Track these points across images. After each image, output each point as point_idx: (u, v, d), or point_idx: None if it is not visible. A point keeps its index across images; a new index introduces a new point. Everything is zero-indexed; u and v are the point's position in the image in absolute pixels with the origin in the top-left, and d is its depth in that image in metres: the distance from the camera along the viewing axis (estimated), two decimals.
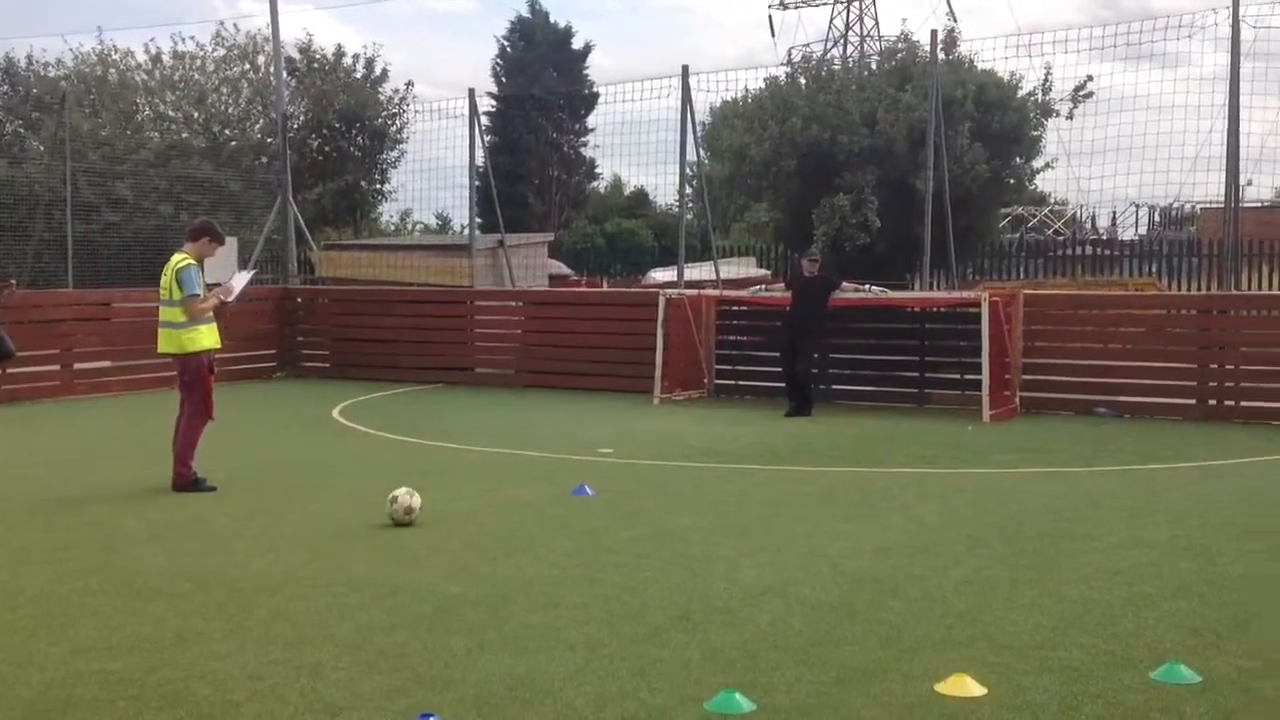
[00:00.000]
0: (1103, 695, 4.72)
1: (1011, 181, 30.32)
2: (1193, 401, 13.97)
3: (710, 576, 6.57)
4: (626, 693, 4.73)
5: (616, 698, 4.68)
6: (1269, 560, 6.97)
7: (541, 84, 46.47)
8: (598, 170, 49.79)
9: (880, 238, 26.71)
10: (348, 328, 19.43)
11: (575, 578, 6.52)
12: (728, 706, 4.56)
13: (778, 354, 14.89)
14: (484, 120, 27.52)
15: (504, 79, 48.56)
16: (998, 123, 27.28)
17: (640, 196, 47.57)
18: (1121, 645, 5.33)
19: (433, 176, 23.69)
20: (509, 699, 4.68)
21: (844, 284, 15.26)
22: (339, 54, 33.46)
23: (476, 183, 22.06)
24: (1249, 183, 23.03)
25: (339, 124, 32.29)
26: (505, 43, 49.49)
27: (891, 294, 16.31)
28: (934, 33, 20.04)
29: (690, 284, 19.52)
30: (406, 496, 7.91)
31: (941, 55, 24.43)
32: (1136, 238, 34.11)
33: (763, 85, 29.40)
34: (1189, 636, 5.45)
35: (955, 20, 48.85)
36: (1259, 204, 31.60)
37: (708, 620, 5.73)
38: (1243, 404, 13.73)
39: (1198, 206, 31.31)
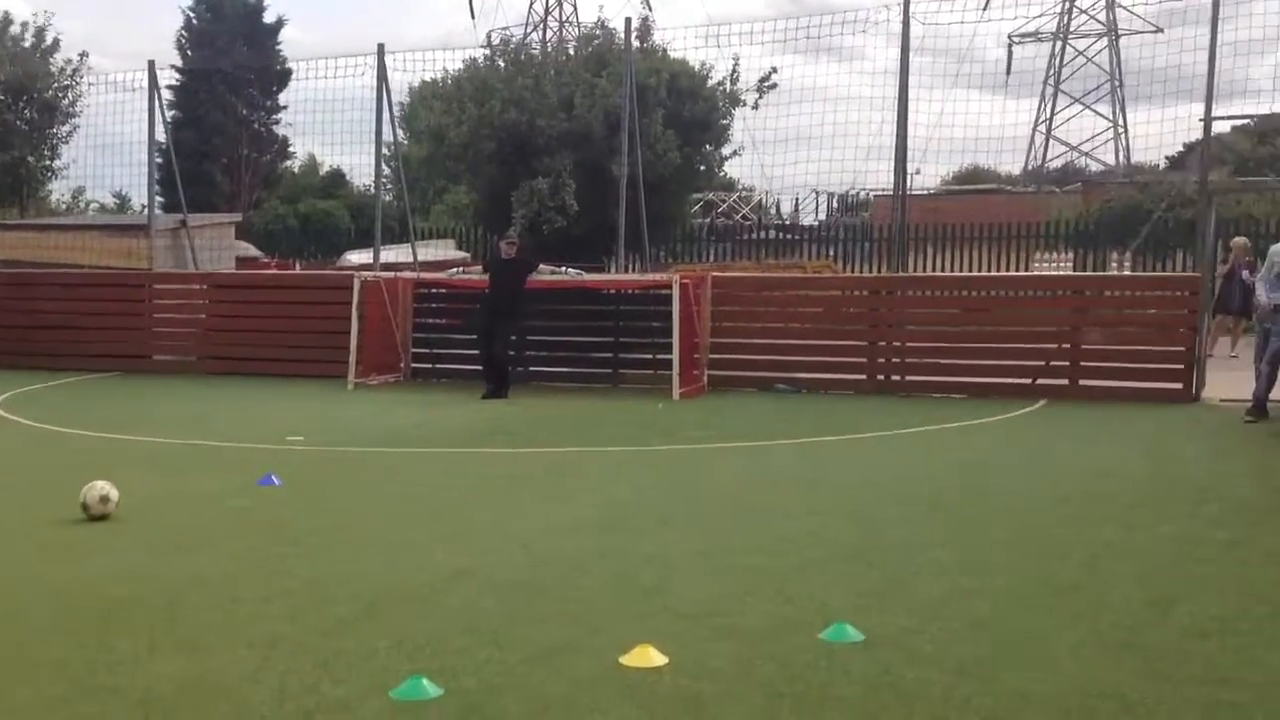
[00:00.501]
0: (775, 657, 4.96)
1: (702, 168, 31.30)
2: (864, 377, 14.89)
3: (400, 563, 6.48)
4: (308, 687, 4.60)
5: (297, 693, 4.54)
6: (926, 524, 7.50)
7: (230, 58, 44.40)
8: (291, 149, 48.14)
9: (577, 221, 27.03)
10: (10, 313, 18.06)
11: (257, 571, 6.28)
12: (414, 693, 4.50)
13: (475, 336, 14.87)
14: (167, 94, 26.09)
15: (189, 52, 46.15)
16: (689, 111, 28.08)
17: (336, 177, 46.29)
18: (793, 609, 5.60)
19: (109, 153, 22.37)
20: (180, 701, 4.46)
21: (541, 266, 15.40)
22: (6, 21, 31.12)
23: (158, 160, 20.90)
24: (917, 171, 24.75)
25: (4, 96, 29.96)
26: (191, 14, 47.03)
27: (587, 276, 16.58)
28: (628, 20, 20.42)
29: (387, 266, 19.17)
30: (108, 488, 7.42)
31: (636, 43, 24.92)
32: (816, 223, 35.96)
33: (461, 67, 29.19)
34: (854, 598, 5.80)
35: (650, 9, 49.95)
36: (925, 191, 33.92)
37: (396, 608, 5.65)
38: (908, 378, 14.74)
39: (871, 193, 33.34)
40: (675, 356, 14.08)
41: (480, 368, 14.74)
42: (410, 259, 20.86)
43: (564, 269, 15.99)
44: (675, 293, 14.15)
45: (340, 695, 4.51)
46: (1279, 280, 11.78)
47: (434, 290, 16.87)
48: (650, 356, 15.38)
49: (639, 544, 6.92)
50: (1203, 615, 5.46)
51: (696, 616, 5.48)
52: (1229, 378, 13.90)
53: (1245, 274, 16.91)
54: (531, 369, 15.88)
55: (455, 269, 18.32)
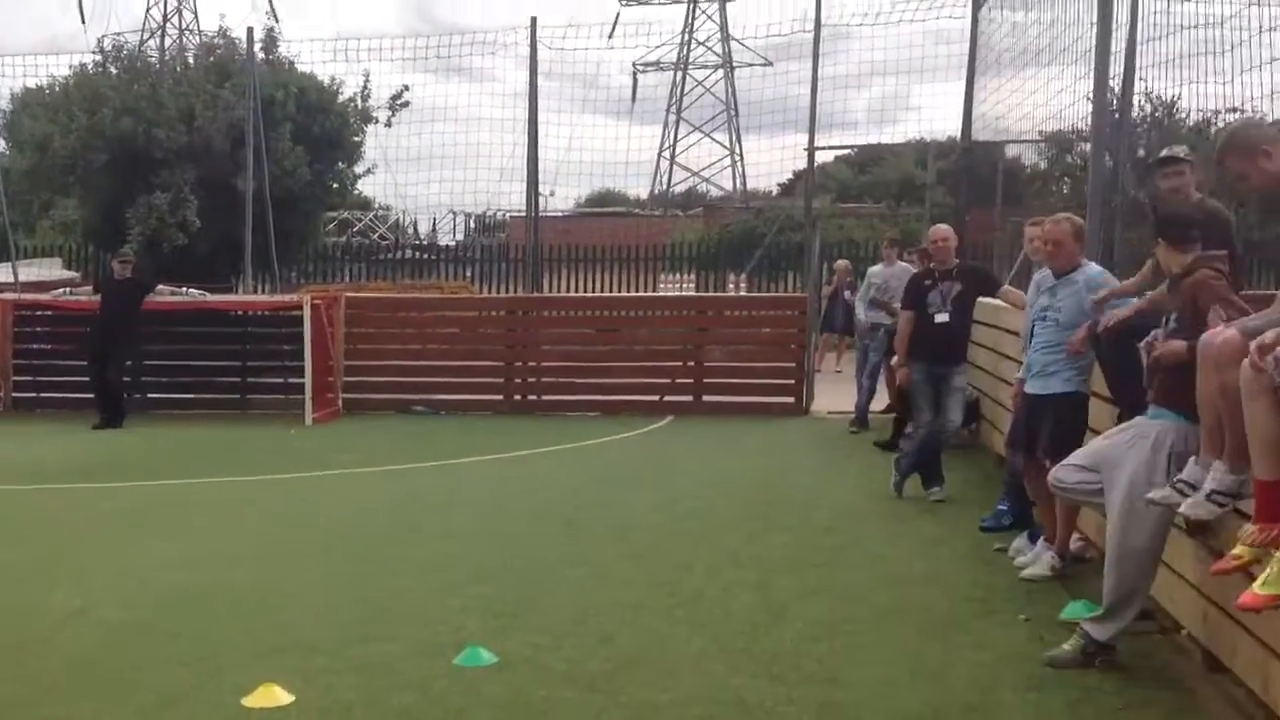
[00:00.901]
0: (410, 685, 4.91)
1: (335, 186, 30.60)
2: (501, 397, 15.00)
3: (1, 608, 5.95)
4: None
5: None
6: (561, 541, 7.65)
7: None
8: None
9: (201, 238, 25.76)
10: None
11: None
12: None
13: (86, 362, 13.91)
14: None
15: None
16: (319, 126, 27.37)
17: None
18: (429, 634, 5.57)
19: None
20: None
21: (160, 287, 14.59)
22: None
23: None
24: (550, 193, 25.22)
25: None
26: None
27: (212, 297, 15.84)
28: (250, 30, 19.78)
29: None
30: None
31: (261, 55, 24.10)
32: (454, 243, 35.92)
33: (70, 73, 27.25)
34: (490, 619, 5.82)
35: (277, 20, 48.32)
36: (558, 213, 34.64)
37: None
38: (544, 398, 14.97)
39: (507, 214, 33.71)
40: (308, 380, 13.67)
41: (92, 395, 13.76)
42: (10, 279, 19.21)
43: (185, 289, 15.19)
44: (307, 314, 13.75)
45: None
46: (874, 301, 12.83)
47: (38, 312, 15.62)
48: (281, 380, 14.86)
49: (267, 577, 6.67)
50: (814, 619, 5.86)
51: (328, 649, 5.34)
52: (834, 391, 14.97)
53: (847, 294, 18.24)
54: (150, 396, 14.95)
55: (62, 289, 17.04)
